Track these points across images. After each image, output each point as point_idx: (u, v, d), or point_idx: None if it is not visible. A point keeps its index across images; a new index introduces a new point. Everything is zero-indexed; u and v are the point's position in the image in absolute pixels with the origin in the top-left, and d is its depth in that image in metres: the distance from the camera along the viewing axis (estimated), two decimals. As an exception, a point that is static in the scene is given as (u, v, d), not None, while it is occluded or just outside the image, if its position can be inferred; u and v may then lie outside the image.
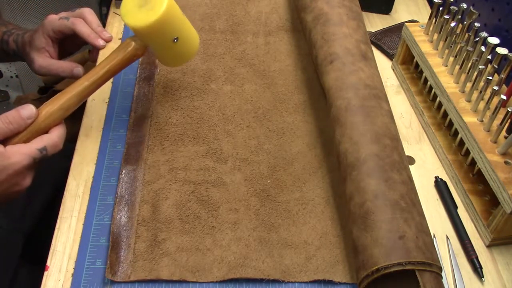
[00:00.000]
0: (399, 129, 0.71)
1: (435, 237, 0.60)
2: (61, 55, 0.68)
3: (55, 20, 0.63)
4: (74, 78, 0.64)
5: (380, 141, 0.55)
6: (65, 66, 0.64)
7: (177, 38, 0.61)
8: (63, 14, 0.65)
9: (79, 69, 0.64)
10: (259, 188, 0.62)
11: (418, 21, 0.91)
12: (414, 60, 0.77)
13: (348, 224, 0.54)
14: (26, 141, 0.53)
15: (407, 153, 0.68)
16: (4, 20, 0.72)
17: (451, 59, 0.69)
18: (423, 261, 0.48)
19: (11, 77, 1.41)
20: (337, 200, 0.61)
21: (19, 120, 0.52)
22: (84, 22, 0.63)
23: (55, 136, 0.54)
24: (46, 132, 0.54)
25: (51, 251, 0.55)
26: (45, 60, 0.64)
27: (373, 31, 0.89)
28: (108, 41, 0.64)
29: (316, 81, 0.75)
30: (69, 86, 0.57)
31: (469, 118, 0.62)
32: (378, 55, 0.84)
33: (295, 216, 0.59)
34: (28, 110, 0.53)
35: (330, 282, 0.54)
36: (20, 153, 0.51)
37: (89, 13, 0.65)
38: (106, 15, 0.88)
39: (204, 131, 0.67)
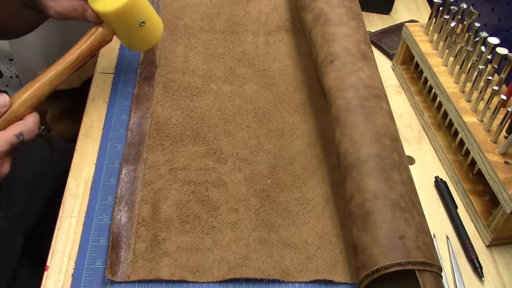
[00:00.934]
0: (399, 129, 0.71)
1: (435, 237, 0.60)
2: None
3: None
4: (85, 20, 0.63)
5: (380, 141, 0.55)
6: (77, 7, 0.63)
7: (143, 22, 0.63)
8: None
9: (88, 12, 0.63)
10: (259, 188, 0.62)
11: (418, 21, 0.91)
12: (414, 60, 0.77)
13: (348, 224, 0.54)
14: (1, 129, 0.54)
15: (407, 153, 0.68)
16: None
17: (451, 59, 0.69)
18: (423, 261, 0.48)
19: (11, 77, 1.41)
20: (337, 200, 0.61)
21: None
22: None
23: (30, 122, 0.55)
24: (21, 119, 0.55)
25: (51, 251, 0.55)
26: (58, 3, 0.62)
27: (373, 31, 0.89)
28: None
29: (316, 81, 0.75)
30: (41, 74, 0.59)
31: (469, 118, 0.62)
32: (378, 55, 0.84)
33: (295, 216, 0.59)
34: (2, 99, 0.54)
35: (330, 282, 0.54)
36: None
37: None
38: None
39: (204, 131, 0.67)
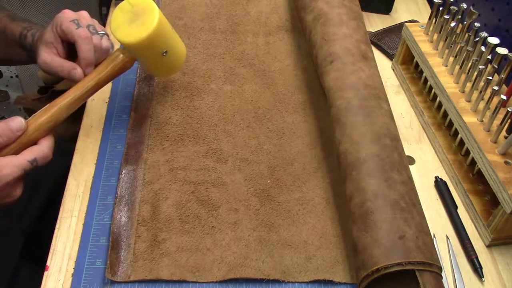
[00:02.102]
0: (399, 129, 0.71)
1: (435, 237, 0.60)
2: (72, 55, 0.66)
3: (66, 19, 0.61)
4: (70, 80, 0.63)
5: (380, 141, 0.55)
6: (65, 65, 0.63)
7: (166, 52, 0.61)
8: (75, 15, 0.63)
9: (76, 71, 0.62)
10: (259, 188, 0.62)
11: (418, 21, 0.91)
12: (414, 60, 0.77)
13: (348, 224, 0.54)
14: (16, 152, 0.53)
15: (407, 153, 0.68)
16: (29, 19, 0.71)
17: (451, 59, 0.69)
18: (423, 261, 0.48)
19: (11, 77, 1.41)
20: (337, 200, 0.61)
21: (9, 132, 0.52)
22: (89, 41, 0.62)
23: (45, 147, 0.54)
24: (35, 143, 0.54)
25: (51, 251, 0.55)
26: (50, 56, 0.62)
27: (373, 31, 0.89)
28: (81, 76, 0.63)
29: (316, 81, 0.75)
30: (58, 98, 0.58)
31: (469, 118, 0.62)
32: (378, 55, 0.84)
33: (295, 216, 0.59)
34: (17, 122, 0.52)
35: (330, 282, 0.54)
36: (12, 165, 0.51)
37: (98, 39, 0.64)
38: (106, 15, 0.88)
39: (204, 131, 0.67)
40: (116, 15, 0.60)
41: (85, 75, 0.64)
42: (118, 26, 0.59)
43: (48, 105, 0.57)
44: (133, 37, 0.58)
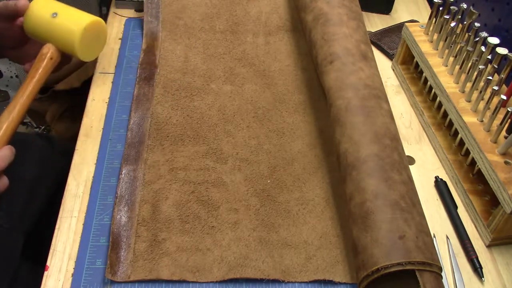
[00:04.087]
0: (399, 129, 0.71)
1: (435, 237, 0.60)
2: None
3: None
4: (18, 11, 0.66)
5: (380, 141, 0.55)
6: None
7: (56, 13, 0.65)
8: None
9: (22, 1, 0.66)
10: (259, 188, 0.62)
11: (418, 21, 0.91)
12: (414, 60, 0.78)
13: (348, 224, 0.54)
14: None
15: (407, 153, 0.68)
16: None
17: (451, 59, 0.69)
18: (423, 261, 0.48)
19: (11, 77, 1.41)
20: (337, 200, 0.61)
21: None
22: None
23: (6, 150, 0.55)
24: None
25: (51, 251, 0.55)
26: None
27: (373, 31, 0.89)
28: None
29: (316, 81, 0.75)
30: (4, 111, 0.60)
31: (469, 118, 0.62)
32: (378, 55, 0.84)
33: (295, 216, 0.59)
34: None
35: (330, 282, 0.54)
36: None
37: None
38: (106, 15, 0.88)
39: (204, 131, 0.67)
40: None
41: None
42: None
43: None
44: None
